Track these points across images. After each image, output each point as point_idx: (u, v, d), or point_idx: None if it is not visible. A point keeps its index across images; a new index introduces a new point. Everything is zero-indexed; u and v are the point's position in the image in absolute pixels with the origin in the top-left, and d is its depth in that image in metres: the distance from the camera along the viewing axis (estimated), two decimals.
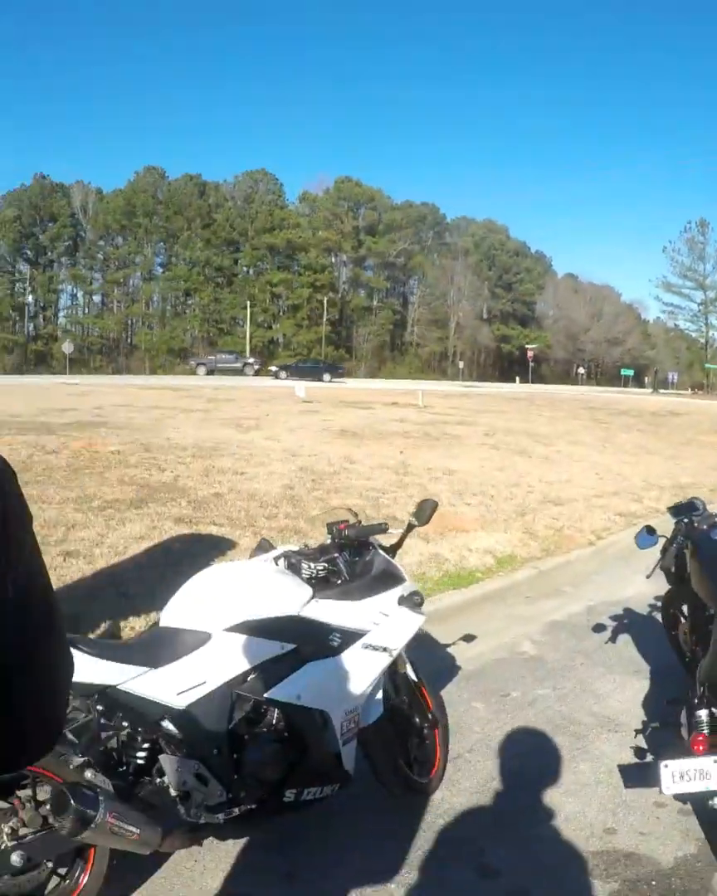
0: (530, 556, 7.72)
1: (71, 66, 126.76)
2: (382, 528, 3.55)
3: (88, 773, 2.60)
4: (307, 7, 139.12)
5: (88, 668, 2.64)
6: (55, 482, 9.85)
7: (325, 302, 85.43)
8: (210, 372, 59.12)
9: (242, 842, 3.33)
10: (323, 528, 3.97)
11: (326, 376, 55.65)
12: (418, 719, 3.65)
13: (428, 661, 5.07)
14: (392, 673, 3.51)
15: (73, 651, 2.58)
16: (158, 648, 2.84)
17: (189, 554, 6.62)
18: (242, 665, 2.87)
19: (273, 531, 7.52)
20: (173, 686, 2.77)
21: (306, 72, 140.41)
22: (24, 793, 2.62)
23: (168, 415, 19.66)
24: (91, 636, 3.01)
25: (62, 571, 6.12)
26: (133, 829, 2.54)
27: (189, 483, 10.05)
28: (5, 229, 79.08)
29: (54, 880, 2.70)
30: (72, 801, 2.40)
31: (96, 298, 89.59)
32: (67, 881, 2.71)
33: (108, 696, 2.70)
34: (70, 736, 2.64)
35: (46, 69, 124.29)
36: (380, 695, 3.28)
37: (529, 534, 8.52)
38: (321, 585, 3.28)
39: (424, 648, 5.34)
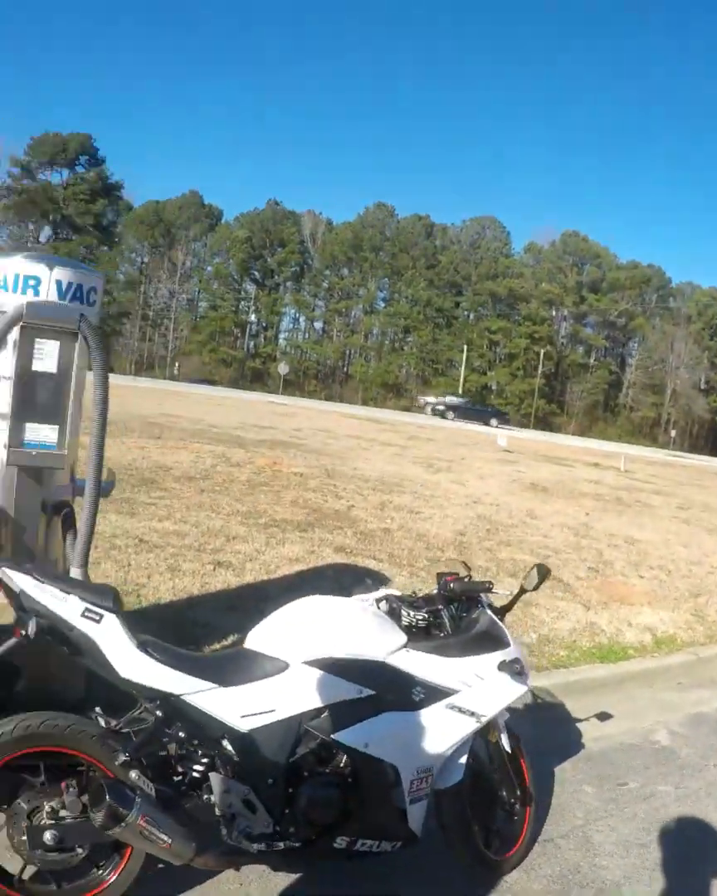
0: (693, 641, 7.24)
1: (313, 104, 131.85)
2: (486, 587, 3.39)
3: (133, 774, 2.60)
4: (552, 67, 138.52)
5: (155, 674, 2.64)
6: (230, 494, 10.13)
7: (542, 354, 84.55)
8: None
9: (292, 878, 3.23)
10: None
11: (493, 421, 54.50)
12: (505, 793, 3.43)
13: (550, 733, 4.82)
14: (483, 740, 3.32)
15: (142, 655, 2.62)
16: (233, 668, 2.81)
17: (338, 584, 6.59)
18: (315, 701, 2.79)
19: (430, 575, 7.39)
20: (239, 708, 2.72)
21: (551, 125, 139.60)
22: (73, 779, 2.67)
23: (363, 445, 19.91)
24: (183, 648, 2.96)
25: (207, 579, 6.25)
26: (164, 838, 2.53)
27: (361, 514, 10.08)
28: (236, 249, 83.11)
29: (90, 869, 2.76)
30: (106, 797, 2.45)
31: (317, 325, 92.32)
32: (100, 872, 2.77)
33: (171, 705, 2.68)
34: (132, 735, 2.66)
35: (286, 104, 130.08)
36: (463, 760, 3.11)
37: (697, 616, 8.00)
38: (419, 636, 3.15)
39: (550, 718, 5.09)
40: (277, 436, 19.15)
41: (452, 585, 3.35)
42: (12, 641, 2.61)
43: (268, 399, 42.58)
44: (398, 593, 3.41)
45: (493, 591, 3.42)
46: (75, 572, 3.53)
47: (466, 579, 3.42)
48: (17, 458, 3.52)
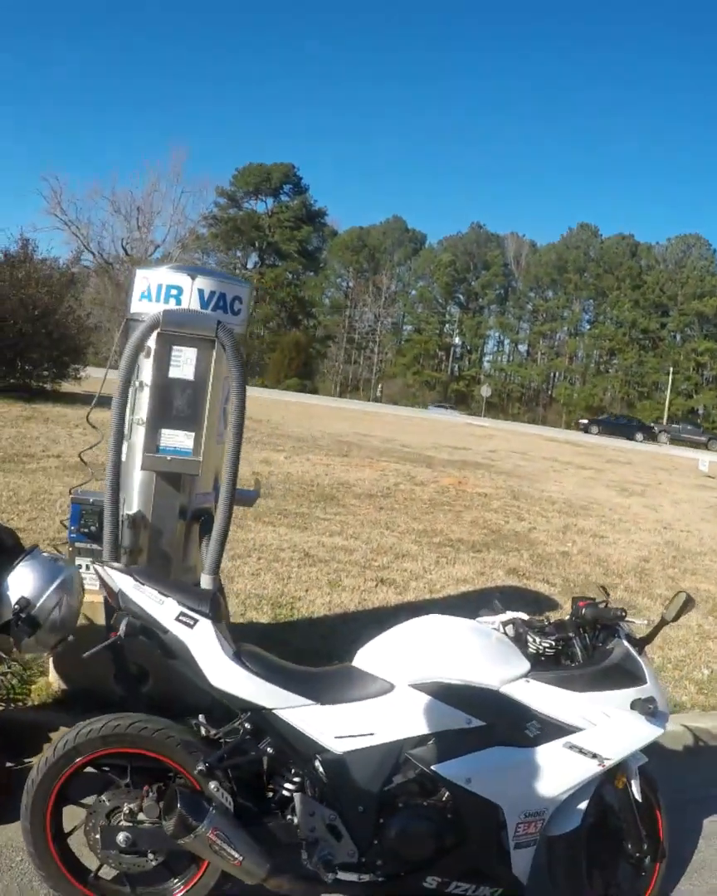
0: None
1: (513, 126, 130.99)
2: (618, 615, 3.02)
3: (212, 784, 2.53)
4: None
5: (246, 684, 2.56)
6: (408, 512, 10.05)
7: None
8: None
9: None
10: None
11: (639, 436, 51.40)
12: (631, 845, 3.01)
13: (706, 780, 4.39)
14: (610, 785, 2.98)
15: (234, 664, 2.54)
16: (333, 685, 2.68)
17: (504, 607, 6.36)
18: (418, 728, 2.60)
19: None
20: (335, 728, 2.59)
21: None
22: (157, 784, 2.63)
23: (557, 468, 19.40)
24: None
25: (367, 595, 6.17)
26: (235, 855, 2.43)
27: (541, 536, 9.77)
28: (440, 272, 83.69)
29: (166, 877, 2.72)
30: (178, 805, 2.39)
31: (521, 347, 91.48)
32: (175, 881, 2.72)
33: (262, 718, 2.58)
34: (222, 744, 2.60)
35: (486, 127, 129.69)
36: (581, 805, 2.79)
37: None
38: (546, 665, 2.88)
39: (709, 764, 4.64)
40: (469, 457, 18.95)
41: (584, 611, 3.04)
42: (107, 642, 2.62)
43: (467, 420, 42.42)
44: (526, 617, 3.12)
45: (627, 619, 3.09)
46: (205, 579, 3.53)
47: (601, 605, 3.10)
48: (153, 464, 3.57)
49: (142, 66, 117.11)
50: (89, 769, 2.68)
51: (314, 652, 4.72)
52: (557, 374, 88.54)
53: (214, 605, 2.62)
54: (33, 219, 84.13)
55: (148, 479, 3.71)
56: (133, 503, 3.76)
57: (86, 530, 3.76)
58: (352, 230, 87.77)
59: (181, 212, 53.97)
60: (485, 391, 63.51)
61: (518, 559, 8.32)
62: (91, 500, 3.77)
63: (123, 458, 3.66)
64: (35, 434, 12.48)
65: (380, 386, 79.95)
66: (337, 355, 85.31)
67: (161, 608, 2.57)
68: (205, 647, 2.55)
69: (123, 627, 2.56)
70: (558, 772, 2.69)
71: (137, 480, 3.74)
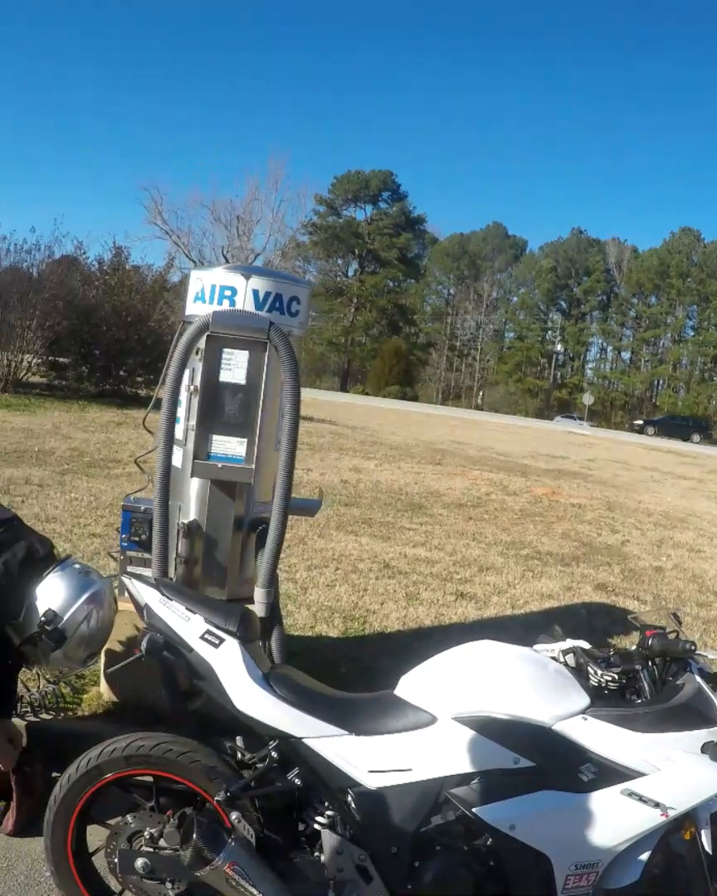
0: None
1: (612, 130, 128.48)
2: (688, 648, 2.64)
3: (234, 815, 2.36)
4: None
5: (273, 710, 2.37)
6: (498, 523, 9.78)
7: None
8: None
9: None
10: None
11: (695, 437, 49.28)
12: None
13: None
14: (677, 835, 2.63)
15: (261, 688, 2.35)
16: (370, 714, 2.45)
17: (588, 625, 6.07)
18: (461, 766, 2.35)
19: (695, 621, 6.65)
20: (370, 761, 2.36)
21: None
22: (182, 809, 2.49)
23: (656, 478, 18.80)
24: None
25: (444, 610, 5.95)
26: (253, 891, 2.24)
27: (634, 550, 9.37)
28: (541, 279, 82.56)
29: None
30: (194, 834, 2.24)
31: (624, 355, 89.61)
32: None
33: (291, 747, 2.39)
34: (244, 774, 2.43)
35: (585, 131, 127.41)
36: (642, 857, 2.45)
37: None
38: (609, 700, 2.55)
39: None
40: (566, 466, 18.50)
41: (651, 641, 2.67)
42: (130, 659, 2.49)
43: (567, 428, 41.66)
44: (588, 646, 2.79)
45: (699, 652, 2.68)
46: (259, 593, 3.39)
47: (671, 635, 2.73)
48: (203, 471, 3.43)
49: (240, 75, 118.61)
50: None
51: (382, 670, 4.51)
52: (661, 381, 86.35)
53: (243, 623, 2.44)
54: (133, 228, 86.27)
55: (203, 486, 3.59)
56: (190, 511, 3.65)
57: (137, 539, 3.66)
58: (452, 237, 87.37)
59: (281, 220, 54.27)
60: (587, 399, 62.28)
61: (608, 574, 7.97)
62: (143, 508, 3.66)
63: (179, 464, 3.56)
64: (124, 439, 12.60)
65: (481, 393, 79.36)
66: (439, 363, 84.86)
67: (186, 625, 2.41)
68: (230, 668, 2.38)
69: (144, 644, 2.41)
70: (615, 821, 2.38)
71: (193, 488, 3.62)
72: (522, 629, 5.75)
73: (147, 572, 3.43)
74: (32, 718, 3.74)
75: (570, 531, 9.95)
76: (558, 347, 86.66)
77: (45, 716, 3.80)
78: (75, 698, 3.96)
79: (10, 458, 9.97)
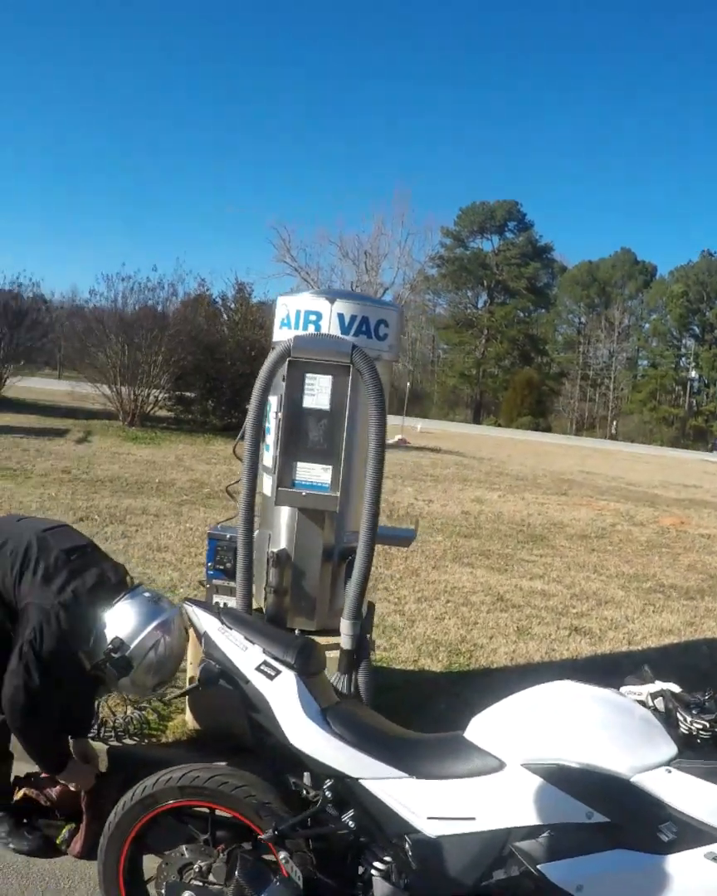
0: None
1: None
2: None
3: (282, 853, 2.26)
4: None
5: (328, 748, 2.25)
6: (621, 554, 9.44)
7: None
8: None
9: None
10: None
11: None
12: None
13: None
14: None
15: (316, 724, 2.23)
16: (433, 757, 2.28)
17: (712, 662, 5.74)
18: (527, 817, 2.14)
19: None
20: (430, 807, 2.20)
21: None
22: (236, 843, 2.40)
23: None
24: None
25: (556, 645, 5.72)
26: None
27: None
28: (673, 304, 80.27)
29: None
30: (237, 872, 2.19)
31: None
32: None
33: (346, 787, 2.25)
34: (297, 814, 2.32)
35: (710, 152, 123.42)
36: None
37: None
38: (699, 751, 2.22)
39: None
40: (699, 495, 17.82)
41: None
42: (188, 687, 2.43)
43: (703, 457, 40.27)
44: (678, 689, 2.43)
45: None
46: (345, 625, 3.28)
47: None
48: (287, 499, 3.37)
49: (363, 109, 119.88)
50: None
51: (484, 707, 4.33)
52: None
53: (303, 655, 2.34)
54: (262, 266, 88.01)
55: (291, 515, 3.53)
56: (280, 540, 3.60)
57: (222, 567, 3.62)
58: (581, 265, 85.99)
59: (408, 253, 54.35)
60: None
61: None
62: (228, 536, 3.62)
63: (269, 492, 3.51)
64: None
65: (615, 423, 77.53)
66: (572, 392, 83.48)
67: (243, 655, 2.34)
68: (285, 701, 2.28)
69: (200, 672, 2.35)
70: (696, 887, 2.09)
71: (282, 517, 3.57)
72: (634, 666, 5.47)
73: (232, 601, 3.39)
74: (115, 743, 3.73)
75: (697, 563, 9.51)
76: (693, 374, 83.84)
77: (128, 741, 3.78)
78: (161, 725, 3.94)
79: (131, 488, 10.20)
